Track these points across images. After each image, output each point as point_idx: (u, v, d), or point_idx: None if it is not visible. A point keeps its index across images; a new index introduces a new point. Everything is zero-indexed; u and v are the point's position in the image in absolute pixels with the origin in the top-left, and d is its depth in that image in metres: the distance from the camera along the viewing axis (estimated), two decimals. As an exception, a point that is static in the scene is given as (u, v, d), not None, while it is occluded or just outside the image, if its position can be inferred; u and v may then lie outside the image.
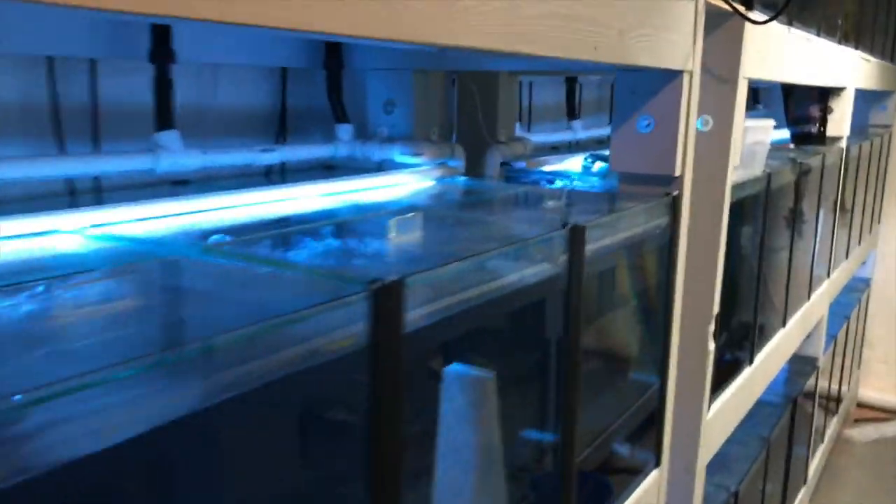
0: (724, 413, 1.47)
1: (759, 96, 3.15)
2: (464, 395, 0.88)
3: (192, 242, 0.69)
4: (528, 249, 0.75)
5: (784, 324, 1.89)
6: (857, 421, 3.76)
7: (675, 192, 1.08)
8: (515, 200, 1.06)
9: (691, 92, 1.07)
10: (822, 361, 2.65)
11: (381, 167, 1.32)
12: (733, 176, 1.34)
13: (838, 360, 3.12)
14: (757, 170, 1.58)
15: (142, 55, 0.98)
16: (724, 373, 1.54)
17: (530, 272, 0.77)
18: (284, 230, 0.74)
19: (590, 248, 0.86)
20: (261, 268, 0.61)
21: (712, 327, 1.30)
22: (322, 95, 1.29)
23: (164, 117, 0.99)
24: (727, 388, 1.51)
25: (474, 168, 1.42)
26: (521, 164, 1.50)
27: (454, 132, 1.45)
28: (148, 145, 0.98)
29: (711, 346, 1.31)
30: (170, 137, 0.99)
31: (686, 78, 1.05)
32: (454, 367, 0.89)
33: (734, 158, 1.31)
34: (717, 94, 1.22)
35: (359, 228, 0.78)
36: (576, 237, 0.82)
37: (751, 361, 1.64)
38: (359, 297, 0.53)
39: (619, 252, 0.98)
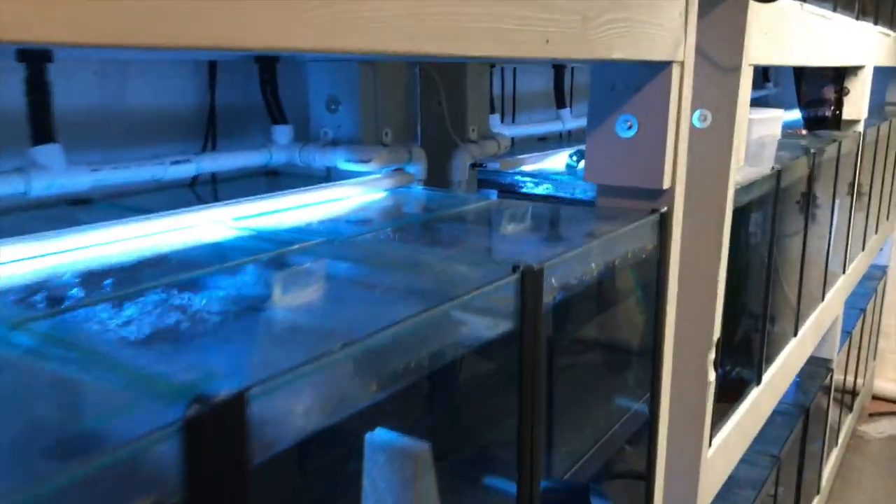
0: (727, 445, 1.29)
1: (770, 74, 2.95)
2: (392, 469, 0.72)
3: (9, 312, 0.52)
4: (461, 308, 0.57)
5: (796, 332, 1.71)
6: (872, 415, 3.59)
7: (664, 209, 0.90)
8: (471, 220, 0.88)
9: (682, 86, 0.88)
10: (836, 361, 2.47)
11: (329, 175, 1.14)
12: (737, 177, 1.15)
13: (853, 354, 2.94)
14: (766, 166, 1.40)
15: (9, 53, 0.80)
16: (728, 396, 1.37)
17: (467, 335, 0.59)
18: (131, 290, 0.57)
19: (551, 287, 0.69)
20: (65, 356, 0.44)
21: (713, 355, 1.13)
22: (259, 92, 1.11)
23: (40, 129, 0.82)
24: (731, 416, 1.34)
25: (439, 172, 1.24)
26: (496, 165, 1.32)
27: (417, 132, 1.27)
28: (21, 163, 0.81)
29: (712, 376, 1.13)
30: (48, 153, 0.82)
31: (676, 70, 0.86)
32: (379, 435, 0.72)
33: (737, 157, 1.13)
34: (717, 84, 1.03)
35: (239, 281, 0.61)
36: (529, 282, 0.64)
37: (758, 381, 1.46)
38: (170, 430, 0.36)
39: (590, 286, 0.81)
